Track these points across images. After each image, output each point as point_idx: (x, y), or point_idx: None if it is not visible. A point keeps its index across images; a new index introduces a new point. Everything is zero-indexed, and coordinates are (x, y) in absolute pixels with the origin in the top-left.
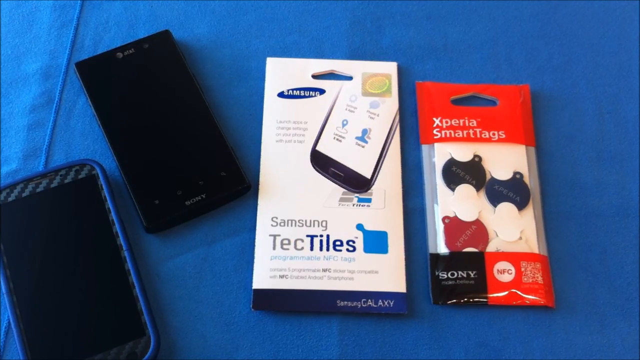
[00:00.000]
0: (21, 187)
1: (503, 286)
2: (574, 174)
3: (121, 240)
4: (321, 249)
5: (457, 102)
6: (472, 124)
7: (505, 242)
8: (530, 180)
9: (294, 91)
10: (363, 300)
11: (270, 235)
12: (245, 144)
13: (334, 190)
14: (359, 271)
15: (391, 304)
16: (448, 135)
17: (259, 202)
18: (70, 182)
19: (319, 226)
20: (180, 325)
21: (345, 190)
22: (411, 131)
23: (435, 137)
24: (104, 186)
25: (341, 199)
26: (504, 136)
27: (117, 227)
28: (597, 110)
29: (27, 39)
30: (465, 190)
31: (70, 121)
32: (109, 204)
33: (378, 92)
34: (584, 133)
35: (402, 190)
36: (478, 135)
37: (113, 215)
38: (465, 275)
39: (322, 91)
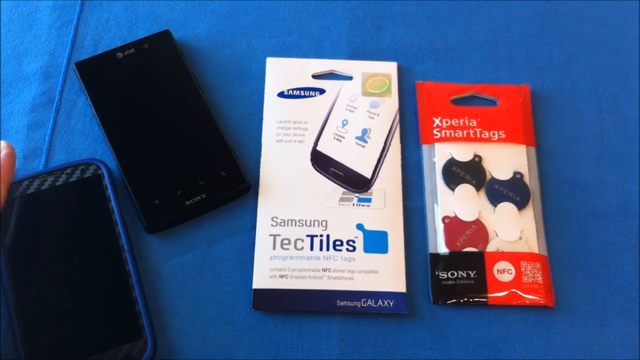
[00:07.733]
0: (26, 184)
1: (503, 286)
2: (574, 174)
3: (123, 241)
4: (321, 249)
5: (457, 102)
6: (472, 124)
7: (505, 242)
8: (530, 180)
9: (294, 91)
10: (363, 300)
11: (270, 235)
12: (245, 144)
13: (334, 190)
14: (358, 271)
15: (391, 303)
16: (448, 135)
17: (259, 202)
18: (76, 180)
19: (319, 226)
20: (180, 325)
21: (345, 190)
22: (411, 131)
23: (435, 137)
24: (108, 186)
25: (341, 199)
26: (504, 136)
27: (119, 227)
28: (597, 110)
29: (27, 39)
30: (465, 190)
31: (70, 121)
32: (113, 204)
33: (378, 92)
34: (584, 133)
35: (402, 190)
36: (478, 135)
37: (116, 216)
38: (465, 275)
39: (322, 91)
